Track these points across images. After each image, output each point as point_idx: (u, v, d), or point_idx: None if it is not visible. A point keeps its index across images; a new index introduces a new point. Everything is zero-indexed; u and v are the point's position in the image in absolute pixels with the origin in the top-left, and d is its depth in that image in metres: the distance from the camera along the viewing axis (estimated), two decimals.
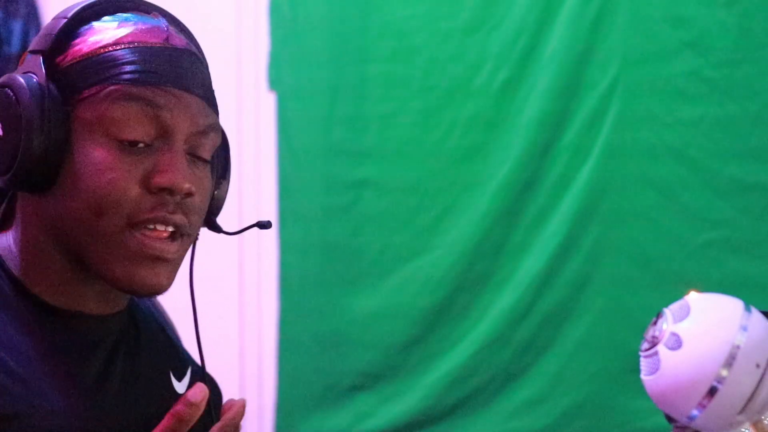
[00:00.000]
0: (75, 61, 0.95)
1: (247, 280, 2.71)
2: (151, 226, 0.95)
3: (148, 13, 1.01)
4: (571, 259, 2.31)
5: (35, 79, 0.94)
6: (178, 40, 0.99)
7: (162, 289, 0.97)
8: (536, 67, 2.33)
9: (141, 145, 0.95)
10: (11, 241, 0.99)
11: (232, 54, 2.66)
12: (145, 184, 0.94)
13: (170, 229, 0.96)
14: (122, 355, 1.02)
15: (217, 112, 1.02)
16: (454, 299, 2.42)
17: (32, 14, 2.78)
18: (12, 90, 0.94)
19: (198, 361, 1.12)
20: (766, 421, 1.05)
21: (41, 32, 0.98)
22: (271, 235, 2.62)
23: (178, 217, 0.96)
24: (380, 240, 2.50)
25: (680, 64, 2.20)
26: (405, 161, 2.47)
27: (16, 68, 1.01)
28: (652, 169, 2.24)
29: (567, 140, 2.31)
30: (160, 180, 0.94)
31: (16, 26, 2.74)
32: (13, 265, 0.98)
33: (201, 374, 1.11)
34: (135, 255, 0.94)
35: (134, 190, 0.94)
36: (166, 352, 1.10)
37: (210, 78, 1.03)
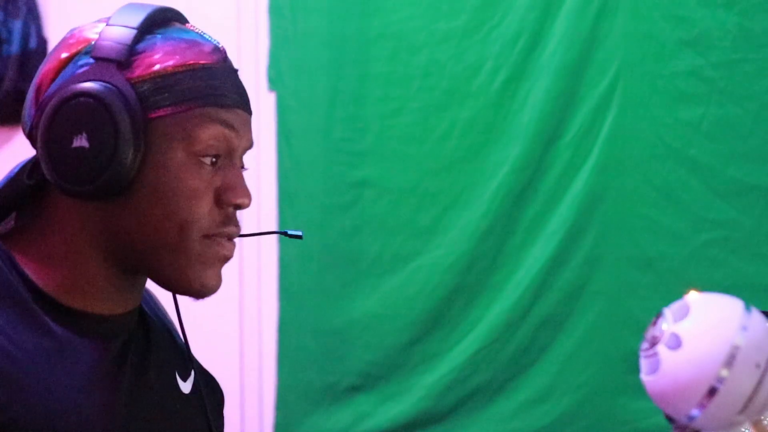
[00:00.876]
0: (150, 76, 0.97)
1: (248, 280, 2.71)
2: (222, 238, 1.01)
3: (183, 23, 1.04)
4: (570, 259, 2.31)
5: (117, 90, 0.95)
6: (229, 60, 1.05)
7: (218, 288, 1.03)
8: (536, 68, 2.33)
9: (213, 161, 1.00)
10: (35, 243, 0.99)
11: (232, 54, 2.65)
12: (216, 199, 1.00)
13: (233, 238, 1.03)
14: (132, 355, 1.02)
15: None
16: (454, 299, 2.42)
17: (32, 14, 2.78)
18: (98, 100, 0.94)
19: (202, 363, 1.13)
20: (766, 421, 1.05)
21: (105, 39, 0.98)
22: (272, 236, 2.62)
23: (239, 230, 1.03)
24: (380, 240, 2.50)
25: (680, 64, 2.20)
26: (405, 161, 2.47)
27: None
28: (652, 170, 2.24)
29: (567, 140, 2.31)
30: (233, 198, 1.00)
31: (16, 26, 2.74)
32: (31, 267, 0.98)
33: (197, 372, 1.12)
34: (208, 260, 1.00)
35: (209, 205, 0.99)
36: (171, 352, 1.11)
37: None
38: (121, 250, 0.98)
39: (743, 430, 1.06)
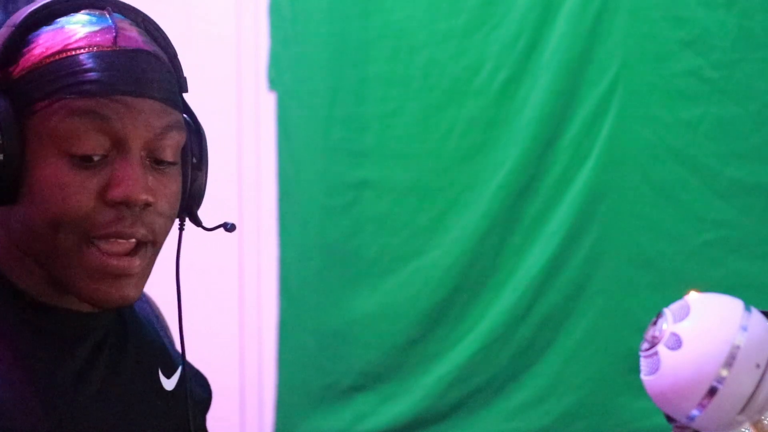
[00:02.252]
0: (26, 71, 0.93)
1: (247, 280, 2.71)
2: (111, 240, 0.92)
3: (102, 9, 0.97)
4: (571, 259, 2.31)
5: None
6: (129, 39, 0.95)
7: (129, 301, 0.95)
8: (536, 67, 2.33)
9: (96, 158, 0.92)
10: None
11: (232, 54, 2.66)
12: (102, 197, 0.92)
13: (132, 241, 0.94)
14: (107, 351, 1.02)
15: (179, 108, 0.99)
16: (454, 299, 2.42)
17: None
18: None
19: (202, 362, 1.12)
20: (766, 421, 1.05)
21: None
22: (271, 235, 2.62)
23: (138, 230, 0.94)
24: (380, 240, 2.50)
25: (680, 64, 2.20)
26: (405, 161, 2.47)
27: None
28: (652, 170, 2.24)
29: (567, 140, 2.31)
30: (115, 194, 0.91)
31: None
32: (4, 267, 0.98)
33: (184, 367, 1.11)
34: (96, 272, 0.93)
35: (90, 205, 0.92)
36: (155, 350, 1.10)
37: (170, 73, 0.99)
38: (33, 256, 0.95)
39: (743, 430, 1.06)
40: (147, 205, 0.93)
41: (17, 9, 3.02)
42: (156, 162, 0.96)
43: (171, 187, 0.97)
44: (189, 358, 1.13)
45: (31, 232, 0.93)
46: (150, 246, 0.96)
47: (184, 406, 1.09)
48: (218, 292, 2.64)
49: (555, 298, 2.33)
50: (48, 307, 0.97)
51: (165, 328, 1.18)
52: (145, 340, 1.09)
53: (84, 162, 0.91)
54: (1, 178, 0.91)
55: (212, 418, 1.19)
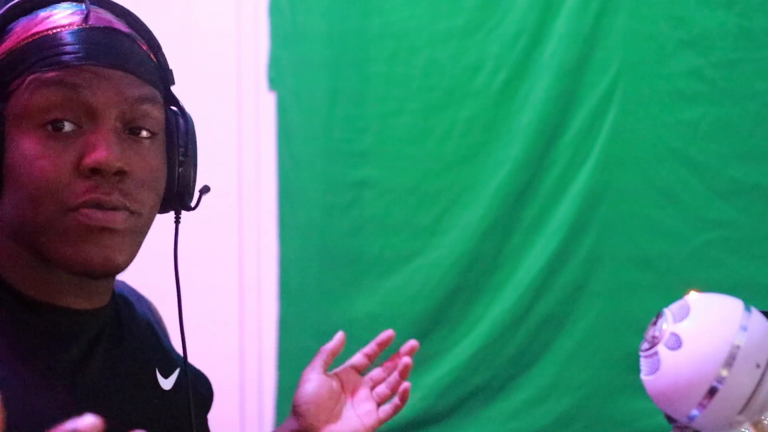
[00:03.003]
0: (1, 56, 0.95)
1: (247, 280, 2.71)
2: (89, 208, 0.93)
3: (80, 1, 0.99)
4: (571, 258, 2.31)
5: None
6: (101, 20, 0.97)
7: (114, 263, 0.95)
8: (536, 68, 2.33)
9: (69, 128, 0.93)
10: None
11: (232, 54, 2.66)
12: (77, 167, 0.93)
13: (108, 209, 0.94)
14: (102, 350, 1.02)
15: (155, 86, 1.00)
16: (454, 300, 2.42)
17: None
18: None
19: (202, 362, 1.13)
20: (766, 421, 1.05)
21: None
22: (272, 235, 2.62)
23: (115, 198, 0.94)
24: (380, 240, 2.50)
25: (680, 64, 2.20)
26: (405, 162, 2.47)
27: None
28: (652, 170, 2.24)
29: (567, 141, 2.31)
30: (88, 161, 0.92)
31: None
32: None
33: (184, 365, 1.11)
34: (79, 233, 0.93)
35: (66, 176, 0.92)
36: (152, 350, 1.10)
37: (144, 55, 1.00)
38: (24, 239, 0.96)
39: (743, 430, 1.06)
40: (122, 172, 0.94)
41: None
42: (132, 133, 0.96)
43: (150, 159, 0.98)
44: (189, 358, 1.13)
45: (16, 214, 0.94)
46: (133, 213, 0.96)
47: (182, 405, 1.09)
48: (218, 291, 2.64)
49: (555, 298, 2.33)
50: (40, 304, 0.98)
51: (164, 331, 1.18)
52: (141, 341, 1.09)
53: (58, 132, 0.92)
54: None
55: (212, 418, 1.19)
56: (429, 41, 2.43)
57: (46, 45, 0.94)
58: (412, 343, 1.06)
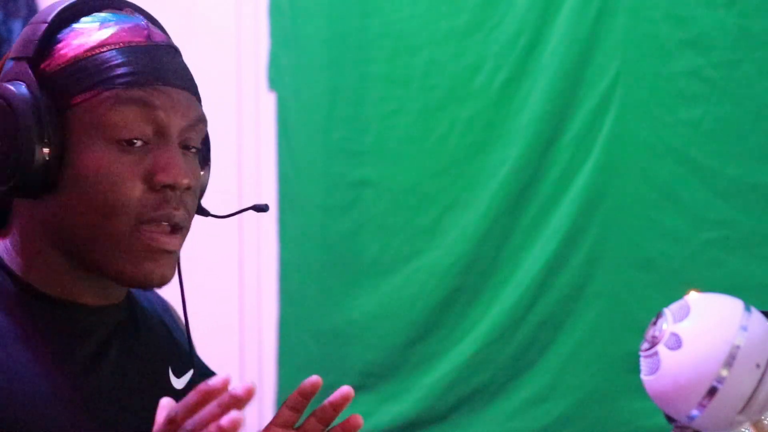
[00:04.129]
0: (62, 66, 0.96)
1: (247, 280, 2.71)
2: (156, 225, 0.97)
3: (121, 9, 1.02)
4: (571, 259, 2.31)
5: (25, 86, 0.95)
6: (158, 36, 1.01)
7: (167, 280, 1.00)
8: (536, 67, 2.33)
9: (138, 143, 0.96)
10: (8, 244, 1.01)
11: (232, 54, 2.66)
12: (148, 182, 0.96)
13: (174, 229, 0.98)
14: (116, 347, 1.03)
15: (201, 102, 1.04)
16: (454, 300, 2.42)
17: (32, 14, 2.78)
18: (4, 100, 0.94)
19: (210, 366, 1.13)
20: (766, 421, 1.05)
21: (21, 38, 0.98)
22: (271, 236, 2.62)
23: (180, 213, 0.98)
24: (380, 240, 2.50)
25: (680, 64, 2.20)
26: (405, 161, 2.47)
27: None
28: (652, 169, 2.24)
29: (567, 141, 2.31)
30: (163, 178, 0.96)
31: (16, 26, 2.74)
32: (15, 263, 1.00)
33: (192, 365, 1.12)
34: (142, 251, 0.97)
35: (138, 190, 0.96)
36: (166, 349, 1.11)
37: (189, 68, 1.04)
38: (67, 244, 0.98)
39: (743, 430, 1.06)
40: (188, 189, 0.98)
41: (17, 8, 2.99)
42: (185, 150, 1.01)
43: (197, 173, 1.03)
44: None
45: (74, 221, 0.96)
46: (184, 229, 1.01)
47: None
48: (218, 292, 2.64)
49: (555, 298, 2.33)
50: (54, 299, 0.99)
51: (178, 323, 1.18)
52: (155, 339, 1.10)
53: (129, 147, 0.96)
54: (46, 169, 0.94)
55: None
56: (429, 41, 2.43)
57: (116, 61, 0.96)
58: (345, 390, 1.02)
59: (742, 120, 2.16)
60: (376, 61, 2.49)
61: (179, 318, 1.19)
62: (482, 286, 2.40)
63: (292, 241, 2.61)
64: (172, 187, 0.97)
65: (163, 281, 0.99)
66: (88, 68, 0.96)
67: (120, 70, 0.96)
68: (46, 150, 0.94)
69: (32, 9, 2.78)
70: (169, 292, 1.11)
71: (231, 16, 2.70)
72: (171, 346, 1.12)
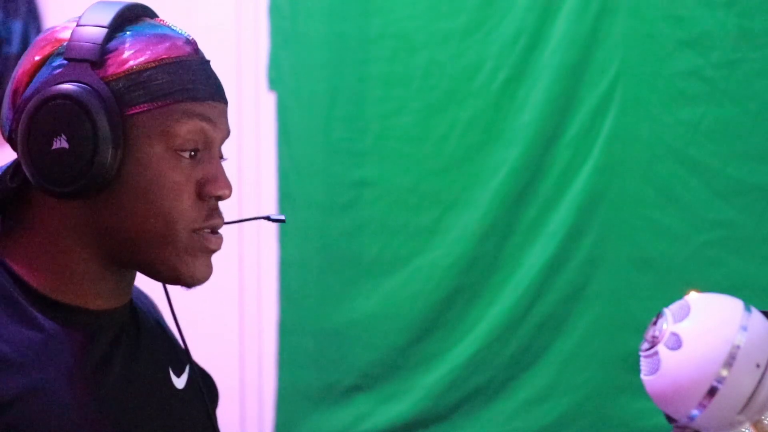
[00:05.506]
0: (125, 73, 0.98)
1: (247, 280, 2.71)
2: (210, 233, 1.02)
3: (153, 18, 1.05)
4: (571, 259, 2.31)
5: (93, 90, 0.96)
6: (201, 51, 1.05)
7: (209, 277, 1.04)
8: (536, 68, 2.33)
9: (192, 154, 1.01)
10: (24, 244, 1.00)
11: (232, 54, 2.66)
12: (198, 192, 1.01)
13: (219, 233, 1.04)
14: (122, 349, 1.04)
15: None
16: (454, 300, 2.42)
17: (32, 14, 2.78)
18: (75, 102, 0.95)
19: (202, 362, 1.14)
20: (766, 421, 1.05)
21: (77, 39, 0.98)
22: (272, 235, 2.62)
23: (222, 220, 1.04)
24: (380, 240, 2.50)
25: (680, 64, 2.20)
26: (405, 161, 2.47)
27: (14, 68, 1.01)
28: (652, 170, 2.24)
29: (567, 141, 2.31)
30: (214, 190, 1.01)
31: (16, 26, 2.74)
32: (22, 267, 1.00)
33: (192, 368, 1.13)
34: (198, 252, 1.01)
35: (192, 199, 1.00)
36: (164, 349, 1.12)
37: None
38: (107, 246, 1.00)
39: (743, 430, 1.06)
40: (227, 198, 1.04)
41: (17, 8, 2.99)
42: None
43: None
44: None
45: (125, 222, 0.98)
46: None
47: (194, 404, 1.11)
48: (219, 291, 2.64)
49: (555, 298, 2.33)
50: (62, 305, 0.99)
51: (166, 322, 1.19)
52: (154, 340, 1.11)
53: (184, 158, 1.00)
54: (111, 173, 0.96)
55: None
56: (429, 41, 2.43)
57: (185, 76, 1.00)
58: None
59: (742, 120, 2.16)
60: (376, 61, 2.49)
61: (161, 316, 1.19)
62: (482, 286, 2.40)
63: (292, 240, 2.61)
64: (219, 198, 1.02)
65: (207, 278, 1.04)
66: (152, 80, 0.98)
67: (183, 85, 0.99)
68: (113, 153, 0.96)
69: (32, 9, 2.78)
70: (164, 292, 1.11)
71: (231, 16, 2.70)
72: (168, 345, 1.13)
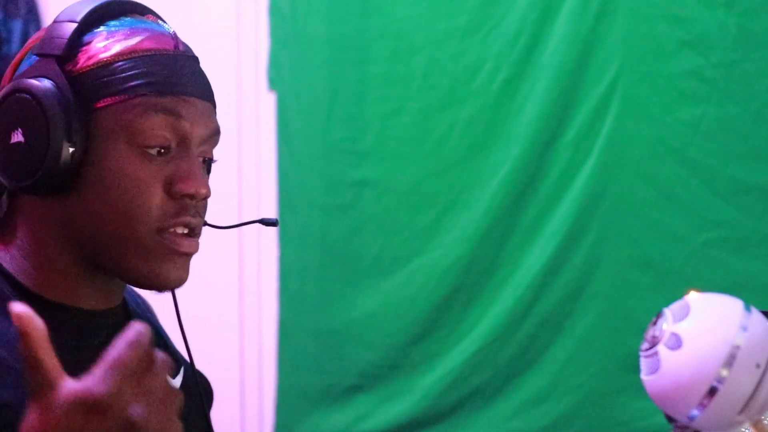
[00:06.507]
0: (91, 67, 0.97)
1: (247, 280, 2.71)
2: (175, 230, 0.99)
3: (143, 15, 1.03)
4: (570, 259, 2.31)
5: (52, 84, 0.95)
6: (183, 46, 1.02)
7: (183, 282, 1.02)
8: (536, 67, 2.33)
9: (161, 151, 0.98)
10: (11, 247, 1.00)
11: (232, 54, 2.66)
12: (168, 189, 0.98)
13: (194, 234, 1.01)
14: None
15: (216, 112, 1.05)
16: (454, 299, 2.42)
17: (32, 14, 2.78)
18: (32, 96, 0.95)
19: (202, 362, 1.13)
20: (766, 421, 1.05)
21: (48, 35, 0.99)
22: (271, 235, 2.62)
23: (197, 220, 1.01)
24: (380, 240, 2.50)
25: (680, 64, 2.20)
26: (405, 161, 2.47)
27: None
28: (652, 169, 2.24)
29: (566, 140, 2.31)
30: (184, 187, 0.98)
31: (16, 26, 2.74)
32: (12, 264, 1.00)
33: (191, 368, 1.13)
34: (164, 254, 0.98)
35: (159, 196, 0.97)
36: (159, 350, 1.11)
37: (208, 78, 1.06)
38: (80, 244, 0.99)
39: (743, 430, 1.06)
40: (205, 198, 1.00)
41: (17, 8, 2.99)
42: (202, 161, 1.03)
43: (208, 182, 1.05)
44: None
45: (94, 222, 0.97)
46: (198, 235, 1.02)
47: (189, 405, 1.10)
48: (218, 291, 2.64)
49: (555, 298, 2.33)
50: (57, 305, 0.99)
51: (160, 325, 1.19)
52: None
53: (152, 155, 0.97)
54: (70, 168, 0.95)
55: (213, 419, 1.19)
56: (429, 41, 2.43)
57: (147, 68, 0.97)
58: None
59: (742, 120, 2.16)
60: (376, 61, 2.49)
61: (155, 315, 1.19)
62: (482, 286, 2.40)
63: (292, 241, 2.61)
64: (191, 197, 0.99)
65: (180, 283, 1.01)
66: (118, 72, 0.97)
67: (150, 78, 0.97)
68: (72, 149, 0.94)
69: (32, 9, 2.78)
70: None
71: (231, 16, 2.70)
72: (161, 346, 1.13)
